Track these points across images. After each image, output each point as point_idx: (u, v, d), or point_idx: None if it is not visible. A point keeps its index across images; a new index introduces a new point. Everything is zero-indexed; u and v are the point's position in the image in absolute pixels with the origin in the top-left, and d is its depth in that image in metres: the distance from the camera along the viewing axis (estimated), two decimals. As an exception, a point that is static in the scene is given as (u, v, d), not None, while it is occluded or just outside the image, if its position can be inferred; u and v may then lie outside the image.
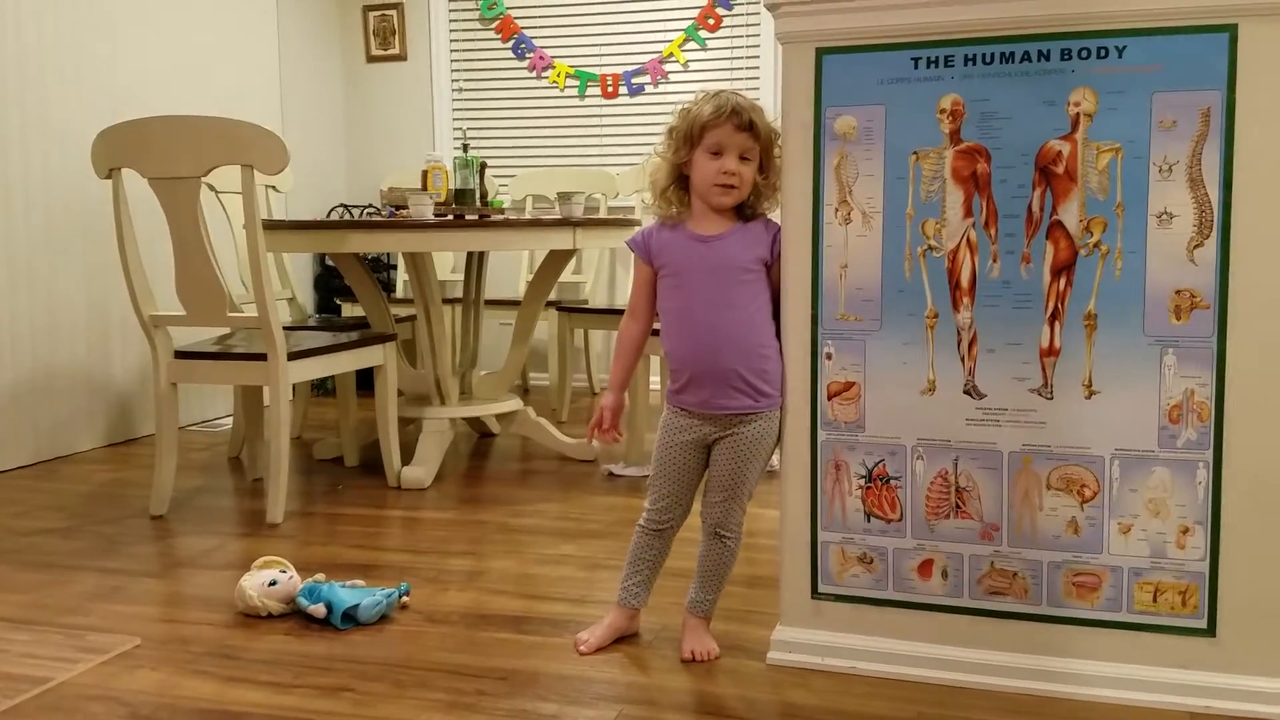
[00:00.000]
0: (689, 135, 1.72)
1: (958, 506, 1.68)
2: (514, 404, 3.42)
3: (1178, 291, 1.54)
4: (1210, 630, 1.59)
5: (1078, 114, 1.55)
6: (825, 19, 1.66)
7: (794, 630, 1.78)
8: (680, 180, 1.76)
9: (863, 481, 1.72)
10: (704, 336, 1.72)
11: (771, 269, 1.75)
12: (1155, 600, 1.61)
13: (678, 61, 4.74)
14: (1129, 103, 1.52)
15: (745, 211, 1.76)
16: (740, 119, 1.68)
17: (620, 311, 4.29)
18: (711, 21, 4.68)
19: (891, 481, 1.71)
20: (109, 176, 2.72)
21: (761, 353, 1.73)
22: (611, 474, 3.15)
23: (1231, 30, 1.48)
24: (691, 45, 4.71)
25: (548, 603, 2.12)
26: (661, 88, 4.76)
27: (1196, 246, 1.53)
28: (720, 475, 1.78)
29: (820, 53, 1.66)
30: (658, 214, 1.80)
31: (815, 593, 1.77)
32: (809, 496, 1.75)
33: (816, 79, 1.67)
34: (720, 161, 1.70)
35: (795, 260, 1.72)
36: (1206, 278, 1.53)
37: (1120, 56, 1.52)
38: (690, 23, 4.70)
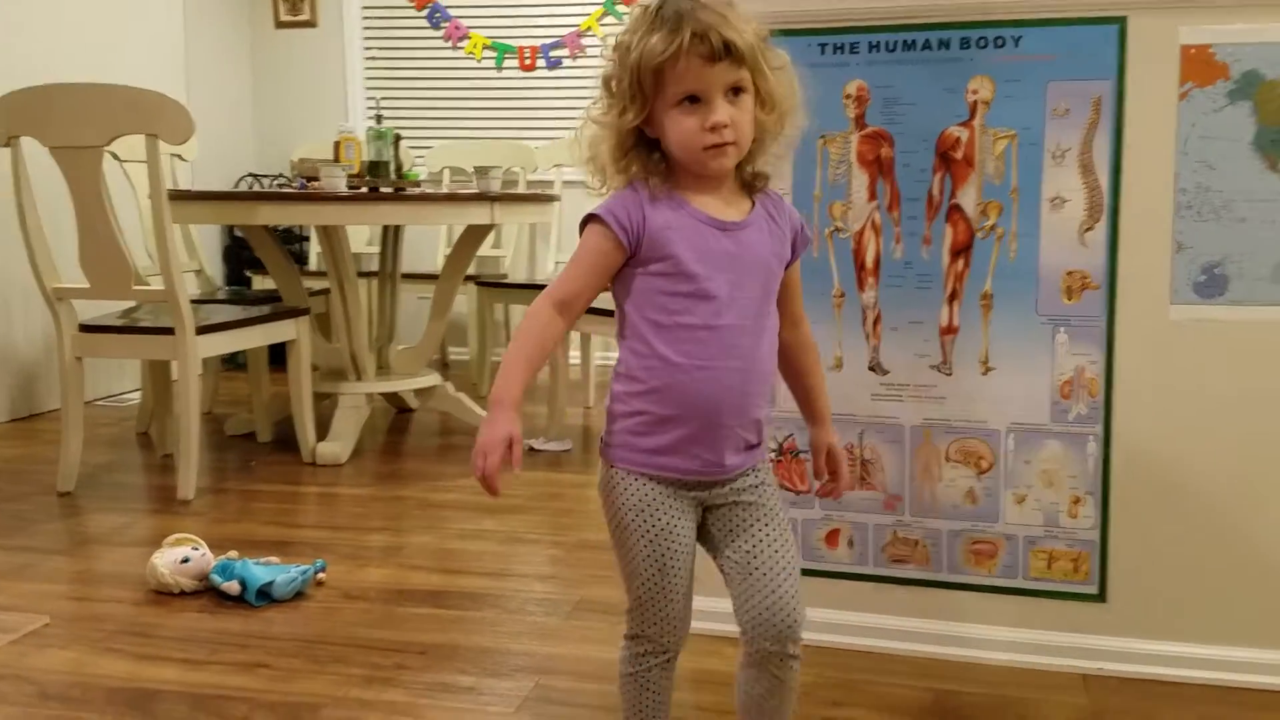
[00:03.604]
0: (639, 85, 1.14)
1: (863, 478, 1.74)
2: (432, 379, 3.41)
3: (1069, 272, 1.61)
4: (1101, 595, 1.68)
5: (976, 101, 1.60)
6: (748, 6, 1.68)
7: (709, 600, 1.81)
8: (642, 142, 1.19)
9: (773, 455, 1.77)
10: (733, 373, 1.18)
11: (787, 268, 1.26)
12: (1049, 567, 1.69)
13: (596, 36, 4.72)
14: (1024, 91, 1.59)
15: (745, 174, 1.22)
16: (710, 44, 1.11)
17: (542, 287, 4.29)
18: (630, -5, 4.68)
19: (800, 455, 1.76)
20: (8, 144, 2.62)
21: (773, 385, 1.28)
22: (532, 449, 3.17)
23: (1121, 22, 1.54)
24: (610, 20, 4.70)
25: (467, 577, 2.14)
26: (580, 62, 4.75)
27: (1087, 230, 1.60)
28: (757, 558, 1.22)
29: (735, 35, 1.69)
30: (613, 187, 1.22)
31: (728, 563, 1.82)
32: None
33: (729, 61, 1.69)
34: (701, 113, 1.13)
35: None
36: (1096, 259, 1.60)
37: (1016, 46, 1.58)
38: (609, -4, 4.70)
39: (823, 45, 1.65)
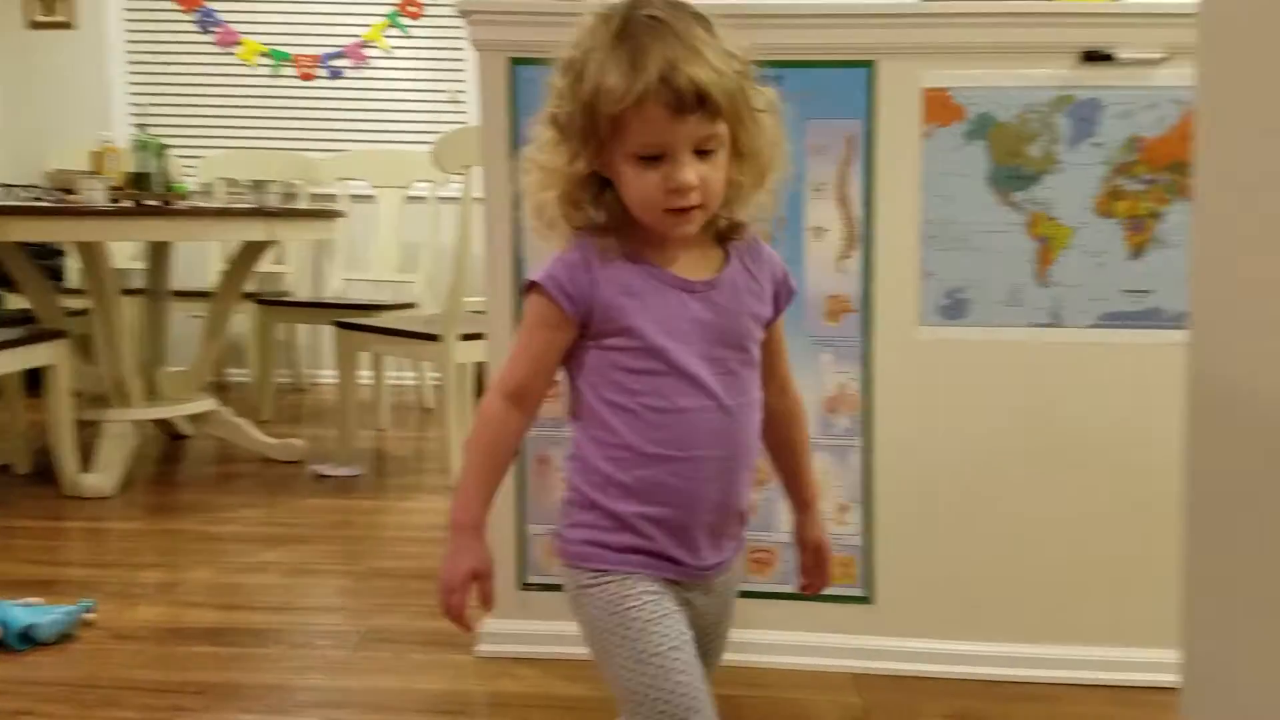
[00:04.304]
0: (593, 127, 0.96)
1: (648, 495, 1.80)
2: (207, 403, 3.25)
3: (830, 297, 1.73)
4: (868, 598, 1.80)
5: (745, 137, 1.70)
6: (518, 30, 1.70)
7: (502, 622, 1.84)
8: (596, 181, 1.00)
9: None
10: (714, 462, 1.01)
11: (768, 326, 1.09)
12: (819, 571, 1.80)
13: (380, 47, 4.64)
14: (786, 128, 1.69)
15: (719, 224, 1.04)
16: (680, 95, 0.92)
17: (329, 305, 4.23)
18: (414, 9, 4.61)
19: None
20: None
21: (756, 467, 1.09)
22: (320, 475, 3.08)
23: (870, 66, 1.67)
24: (394, 31, 4.63)
25: (248, 612, 2.06)
26: (363, 73, 4.65)
27: (844, 258, 1.73)
28: (707, 649, 1.10)
29: (514, 62, 1.71)
30: (551, 232, 1.03)
31: (523, 584, 1.84)
32: (516, 491, 1.82)
33: (511, 87, 1.72)
34: (662, 172, 0.95)
35: (499, 265, 1.76)
36: (853, 285, 1.73)
37: (778, 85, 1.68)
38: (392, 9, 4.62)
39: (600, 80, 1.70)
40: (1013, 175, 1.68)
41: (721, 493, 1.02)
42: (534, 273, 1.02)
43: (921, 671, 1.76)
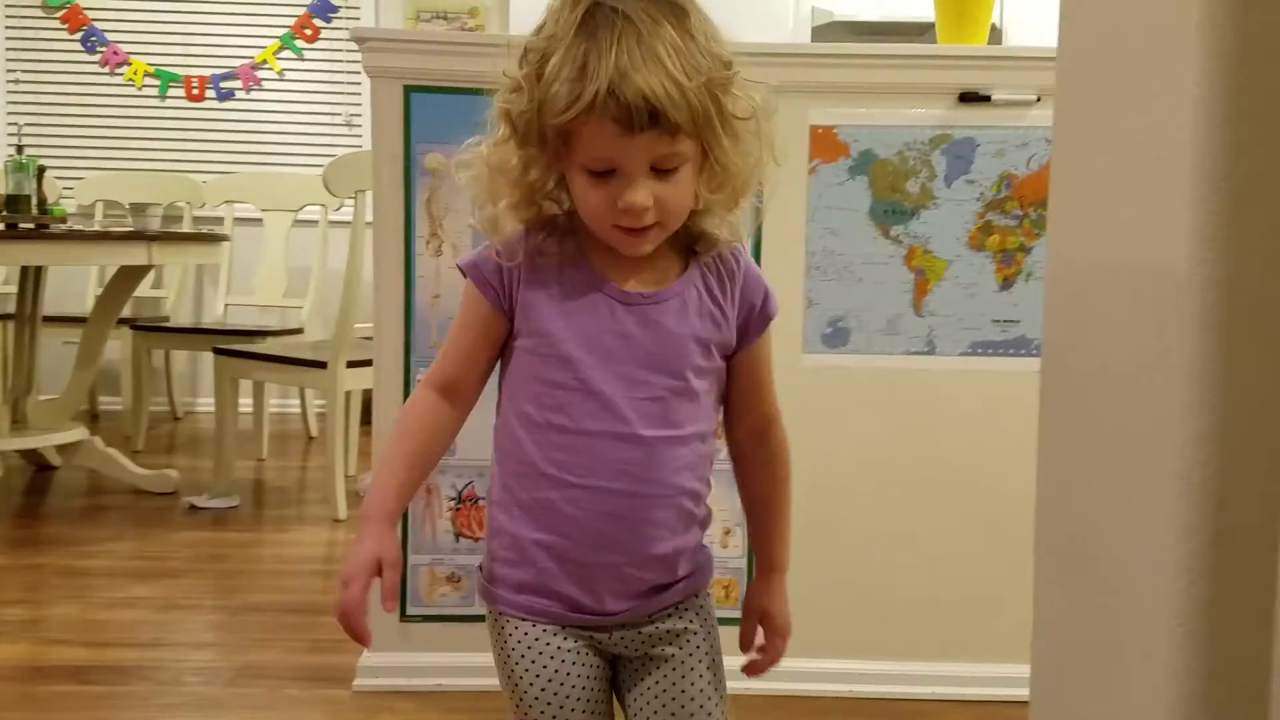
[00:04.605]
0: (542, 132, 0.86)
1: (536, 523, 1.79)
2: (78, 433, 3.11)
3: (719, 326, 1.76)
4: (749, 620, 1.82)
5: (635, 166, 1.72)
6: (412, 58, 1.70)
7: (382, 655, 1.80)
8: (557, 177, 0.91)
9: (453, 503, 1.78)
10: (619, 497, 0.90)
11: (736, 357, 0.97)
12: (706, 597, 1.81)
13: (272, 69, 4.56)
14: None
15: (690, 235, 0.94)
16: (629, 111, 0.80)
17: (209, 331, 4.10)
18: (309, 32, 4.55)
19: (480, 502, 1.79)
20: None
21: (697, 512, 0.97)
22: (194, 507, 2.97)
23: (760, 102, 1.72)
24: (288, 54, 4.56)
25: (115, 650, 1.97)
26: (255, 95, 4.56)
27: (733, 287, 1.76)
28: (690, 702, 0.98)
29: (408, 90, 1.71)
30: (498, 230, 0.92)
31: (404, 615, 1.80)
32: (399, 521, 1.78)
33: (405, 115, 1.71)
34: (610, 190, 0.85)
35: (389, 290, 1.74)
36: (741, 314, 1.76)
37: (671, 118, 1.71)
38: (286, 31, 4.55)
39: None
40: (892, 210, 1.74)
41: (629, 533, 0.90)
42: (467, 255, 0.95)
43: (799, 690, 1.78)
